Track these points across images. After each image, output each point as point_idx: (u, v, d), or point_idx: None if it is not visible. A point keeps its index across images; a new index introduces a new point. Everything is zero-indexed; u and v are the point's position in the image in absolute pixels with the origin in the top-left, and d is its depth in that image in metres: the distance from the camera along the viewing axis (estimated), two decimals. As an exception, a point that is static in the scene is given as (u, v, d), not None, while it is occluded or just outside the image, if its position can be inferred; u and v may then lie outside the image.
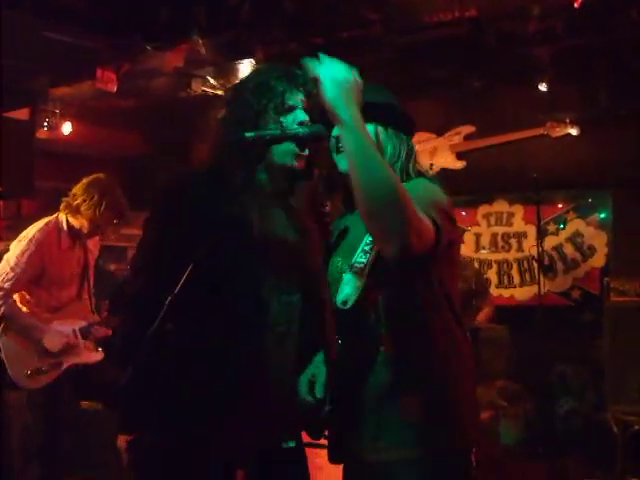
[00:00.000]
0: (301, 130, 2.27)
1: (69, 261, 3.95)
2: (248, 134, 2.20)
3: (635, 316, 4.68)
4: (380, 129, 2.25)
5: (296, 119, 2.29)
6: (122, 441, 2.33)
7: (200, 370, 2.27)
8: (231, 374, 2.27)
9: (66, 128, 6.32)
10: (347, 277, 2.18)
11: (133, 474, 2.33)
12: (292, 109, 2.31)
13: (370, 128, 2.16)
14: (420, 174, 2.29)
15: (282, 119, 2.29)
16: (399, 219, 1.91)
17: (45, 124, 6.07)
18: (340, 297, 2.16)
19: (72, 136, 6.46)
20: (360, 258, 2.16)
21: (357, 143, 1.98)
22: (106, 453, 4.01)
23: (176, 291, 1.98)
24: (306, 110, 2.33)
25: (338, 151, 2.25)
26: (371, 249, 2.13)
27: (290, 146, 2.29)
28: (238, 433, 2.30)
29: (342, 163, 2.23)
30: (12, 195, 6.16)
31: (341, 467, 4.00)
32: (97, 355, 3.92)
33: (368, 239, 2.15)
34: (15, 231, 7.68)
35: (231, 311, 2.26)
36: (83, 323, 3.90)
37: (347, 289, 2.16)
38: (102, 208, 3.91)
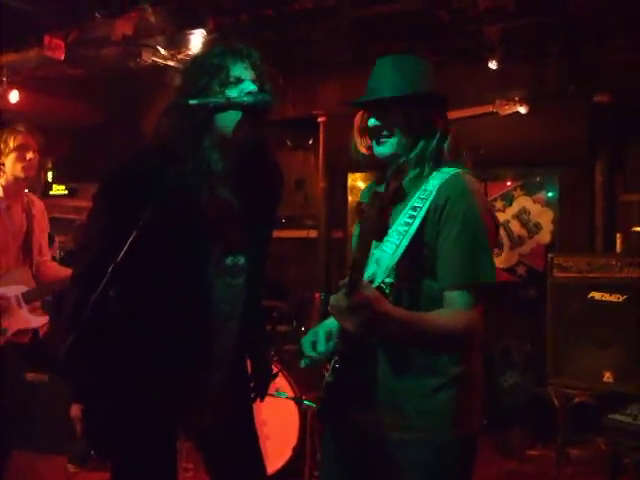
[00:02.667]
0: (246, 99, 2.29)
1: (3, 227, 3.90)
2: (192, 101, 2.22)
3: (577, 292, 4.78)
4: (413, 115, 2.22)
5: (243, 90, 2.32)
6: (75, 410, 2.33)
7: (144, 340, 2.30)
8: (174, 346, 2.30)
9: (13, 96, 6.20)
10: (377, 254, 2.15)
11: (87, 441, 2.35)
12: (239, 81, 2.34)
13: (400, 116, 2.20)
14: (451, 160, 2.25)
15: (228, 91, 2.31)
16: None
17: (-8, 92, 5.97)
18: (367, 274, 2.12)
19: (19, 104, 6.35)
20: (393, 238, 2.14)
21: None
22: (55, 426, 4.00)
23: (119, 259, 1.98)
24: (253, 82, 2.36)
25: (376, 140, 2.27)
26: (406, 231, 2.12)
27: (235, 115, 2.31)
28: (185, 404, 2.35)
29: (377, 148, 2.26)
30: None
31: (282, 420, 4.04)
32: (40, 320, 3.89)
33: (403, 220, 2.14)
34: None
35: (175, 283, 2.29)
36: (24, 288, 3.87)
37: (374, 267, 2.13)
38: (9, 155, 3.88)
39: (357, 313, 1.94)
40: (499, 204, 6.40)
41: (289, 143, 7.16)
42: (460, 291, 2.08)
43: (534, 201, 6.30)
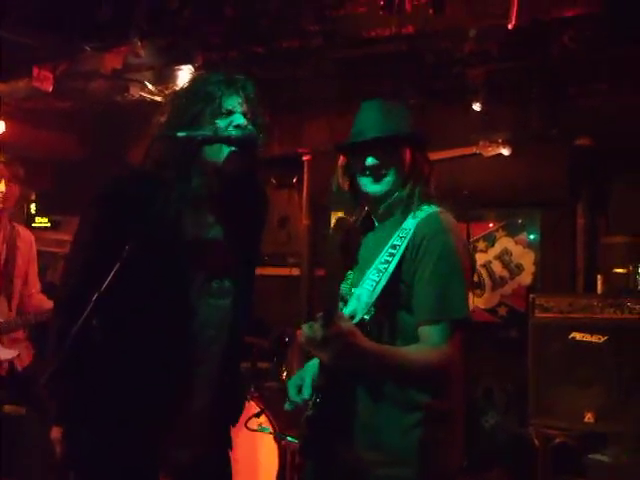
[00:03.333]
0: (233, 132, 2.31)
1: None
2: (180, 133, 2.23)
3: (558, 332, 4.80)
4: (407, 155, 2.35)
5: (233, 122, 2.34)
6: (56, 432, 2.33)
7: (127, 369, 2.29)
8: (159, 373, 2.29)
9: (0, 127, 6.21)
10: (357, 292, 2.21)
11: (66, 465, 2.35)
12: (230, 113, 2.36)
13: (396, 158, 2.32)
14: (432, 198, 2.37)
15: (218, 122, 2.34)
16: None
17: (-23, 122, 5.97)
18: (348, 310, 2.18)
19: (5, 135, 6.35)
20: (373, 275, 2.19)
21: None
22: (33, 458, 3.94)
23: (102, 289, 1.98)
24: (244, 114, 2.38)
25: (373, 178, 2.33)
26: (385, 269, 2.18)
27: (222, 147, 2.33)
28: (163, 431, 2.33)
29: (368, 186, 2.33)
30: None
31: (261, 457, 4.03)
32: (10, 353, 3.84)
33: (383, 257, 2.20)
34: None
35: (159, 311, 2.29)
36: None
37: (355, 304, 2.19)
38: None
39: (331, 344, 1.99)
40: (481, 245, 6.42)
41: (274, 181, 7.19)
42: (434, 326, 2.14)
43: (516, 242, 6.33)
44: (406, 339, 2.18)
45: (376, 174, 2.31)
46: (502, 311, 6.35)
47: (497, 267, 6.39)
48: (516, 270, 6.30)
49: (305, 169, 6.82)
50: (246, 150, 2.38)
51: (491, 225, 6.42)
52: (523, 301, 5.96)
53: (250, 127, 2.38)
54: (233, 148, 2.34)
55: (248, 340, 5.91)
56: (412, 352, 2.14)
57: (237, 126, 2.35)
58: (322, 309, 2.00)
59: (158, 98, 5.98)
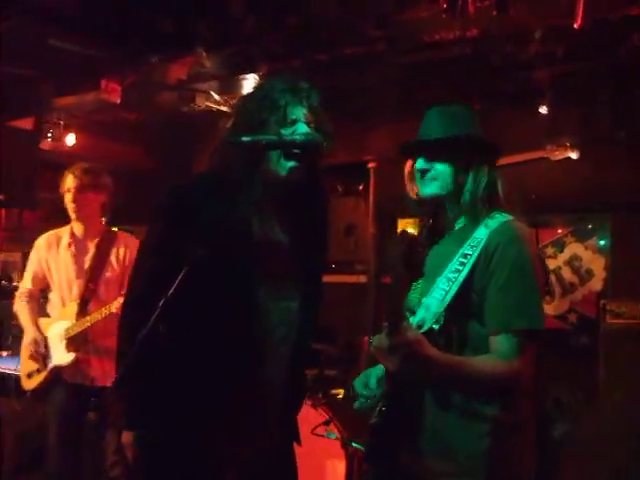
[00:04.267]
0: (298, 137, 2.32)
1: (64, 264, 3.96)
2: (245, 138, 2.24)
3: (630, 338, 4.68)
4: (460, 161, 2.29)
5: (296, 132, 2.35)
6: (126, 437, 2.37)
7: (197, 371, 2.32)
8: (228, 376, 2.31)
9: (70, 139, 6.37)
10: (426, 301, 2.19)
11: (136, 470, 2.37)
12: (294, 122, 2.38)
13: (447, 163, 2.27)
14: (500, 206, 2.31)
15: (283, 131, 2.35)
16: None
17: (49, 135, 6.13)
18: (416, 319, 2.17)
19: (76, 148, 6.51)
20: (442, 284, 2.17)
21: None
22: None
23: (169, 294, 2.01)
24: (308, 124, 2.39)
25: (422, 177, 2.32)
26: (455, 278, 2.15)
27: (284, 159, 2.34)
28: (232, 434, 2.35)
29: (423, 189, 2.32)
30: (13, 205, 6.21)
31: (328, 464, 4.01)
32: (67, 357, 3.88)
33: (454, 266, 2.17)
34: (16, 242, 7.76)
35: (226, 315, 2.30)
36: (68, 324, 3.89)
37: (423, 313, 2.17)
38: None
39: (397, 353, 1.99)
40: (550, 251, 6.31)
41: (340, 188, 7.19)
42: (506, 336, 2.09)
43: (586, 247, 6.20)
44: (476, 349, 2.15)
45: (426, 177, 2.29)
46: (572, 318, 6.21)
47: (567, 273, 6.26)
48: (586, 276, 6.16)
49: (371, 176, 6.81)
50: (309, 156, 2.39)
51: (560, 230, 6.30)
52: (594, 307, 5.84)
53: (314, 133, 2.38)
54: (295, 162, 2.35)
55: (316, 347, 5.93)
56: (480, 363, 2.11)
57: (300, 135, 2.36)
58: (387, 319, 1.99)
59: (224, 108, 6.06)
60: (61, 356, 3.85)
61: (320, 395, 4.97)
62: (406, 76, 5.67)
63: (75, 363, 3.82)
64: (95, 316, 3.77)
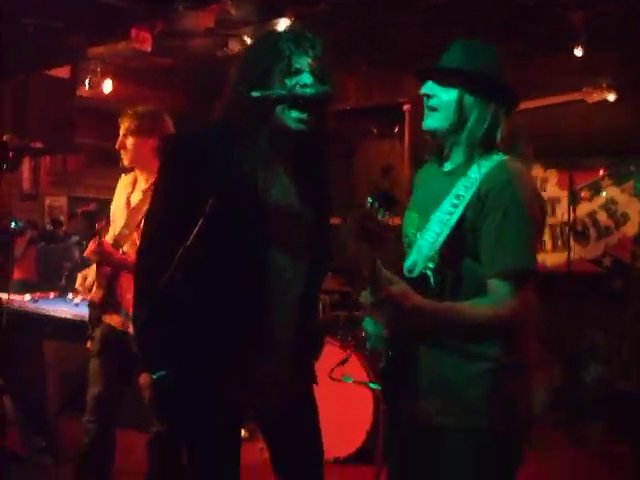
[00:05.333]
0: (308, 91, 2.34)
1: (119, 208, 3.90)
2: (255, 93, 2.27)
3: (660, 285, 4.65)
4: (466, 95, 2.20)
5: (300, 81, 2.37)
6: (144, 378, 2.48)
7: (212, 317, 2.40)
8: (241, 322, 2.40)
9: (107, 86, 6.46)
10: (418, 243, 2.18)
11: (153, 409, 2.45)
12: (298, 72, 2.39)
13: (454, 93, 2.19)
14: (498, 147, 2.22)
15: (287, 81, 2.37)
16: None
17: (86, 82, 6.22)
18: (407, 263, 2.18)
19: (113, 94, 6.60)
20: (434, 226, 2.16)
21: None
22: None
23: (187, 244, 2.07)
24: (312, 73, 2.40)
25: (426, 105, 2.26)
26: (448, 220, 2.13)
27: (295, 107, 2.37)
28: (247, 379, 2.44)
29: (425, 121, 2.26)
30: (53, 151, 6.33)
31: (356, 405, 4.03)
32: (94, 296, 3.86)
33: (446, 207, 2.15)
34: (60, 186, 7.94)
35: (241, 262, 2.37)
36: None
37: (415, 256, 2.17)
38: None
39: (383, 309, 1.99)
40: (586, 193, 6.25)
41: (375, 131, 7.17)
42: (500, 279, 2.08)
43: (622, 191, 6.12)
44: (473, 289, 2.13)
45: (429, 107, 2.23)
46: (607, 262, 6.19)
47: (602, 217, 6.21)
48: (622, 220, 6.11)
49: (406, 118, 6.78)
50: (318, 107, 2.42)
51: (596, 173, 6.23)
52: (629, 252, 5.80)
53: (320, 85, 2.40)
54: (303, 114, 2.38)
55: (344, 289, 6.01)
56: (475, 307, 2.09)
57: (304, 85, 2.38)
58: (368, 275, 1.97)
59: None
60: (92, 295, 3.87)
61: (350, 337, 5.07)
62: (440, 16, 5.59)
63: (104, 304, 3.79)
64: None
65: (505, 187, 2.11)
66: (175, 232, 2.15)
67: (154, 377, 2.41)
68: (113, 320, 3.77)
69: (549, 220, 6.46)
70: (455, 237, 2.12)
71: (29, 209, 7.57)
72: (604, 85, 5.61)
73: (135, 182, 3.85)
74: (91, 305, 3.84)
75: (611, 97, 5.66)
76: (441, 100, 2.21)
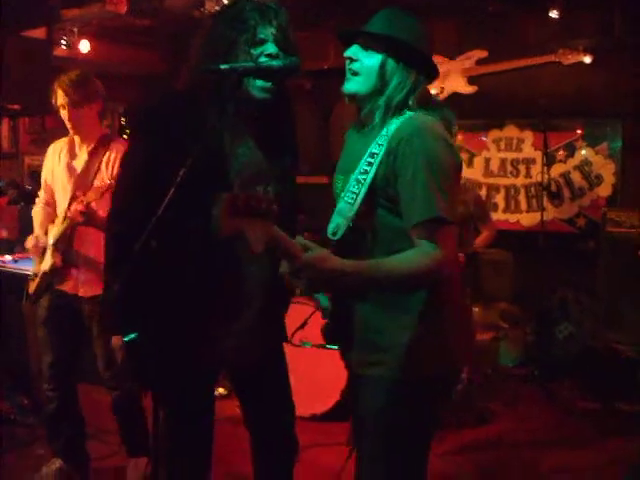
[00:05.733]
0: (274, 63, 2.39)
1: (61, 172, 3.88)
2: (223, 66, 2.31)
3: (628, 247, 4.75)
4: (389, 60, 2.23)
5: (265, 51, 2.42)
6: (116, 340, 2.56)
7: (181, 276, 2.48)
8: (211, 279, 2.48)
9: (83, 46, 6.41)
10: (340, 205, 2.24)
11: (125, 371, 2.56)
12: (263, 42, 2.44)
13: (377, 58, 2.22)
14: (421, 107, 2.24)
15: (252, 51, 2.42)
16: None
17: (63, 43, 6.17)
18: (331, 227, 2.23)
19: (90, 54, 6.56)
20: (352, 187, 2.21)
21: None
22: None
23: (160, 212, 2.12)
24: (277, 42, 2.45)
25: (348, 68, 2.28)
26: (364, 179, 2.17)
27: (260, 77, 2.42)
28: (219, 335, 2.53)
29: (347, 84, 2.27)
30: (32, 112, 6.30)
31: (330, 365, 4.15)
32: (48, 263, 3.81)
33: (362, 167, 2.19)
34: (40, 145, 7.92)
35: (205, 222, 2.43)
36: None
37: (338, 218, 2.23)
38: None
39: (302, 276, 2.05)
40: (560, 154, 6.32)
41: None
42: (418, 231, 2.10)
43: (596, 152, 6.19)
44: (397, 244, 2.15)
45: (351, 70, 2.26)
46: (580, 222, 6.29)
47: (576, 177, 6.29)
48: (595, 181, 6.19)
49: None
50: (285, 78, 2.48)
51: (570, 135, 6.29)
52: (601, 213, 5.89)
53: (285, 55, 2.44)
54: (268, 83, 2.43)
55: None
56: (399, 262, 2.11)
57: (269, 55, 2.42)
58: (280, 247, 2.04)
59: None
60: (46, 262, 3.83)
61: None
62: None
63: (58, 270, 3.79)
64: (66, 222, 3.70)
65: (412, 139, 2.13)
66: (147, 198, 2.19)
67: (125, 339, 2.49)
68: (65, 284, 3.79)
69: (524, 181, 6.55)
70: (372, 194, 2.17)
71: (8, 168, 7.56)
72: (580, 47, 5.66)
73: (72, 147, 3.86)
74: (46, 273, 3.81)
75: (587, 59, 5.71)
76: (363, 64, 2.24)
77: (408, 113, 2.21)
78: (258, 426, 2.84)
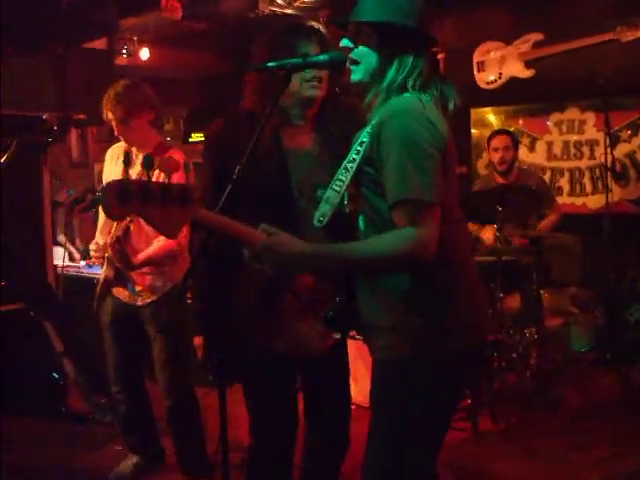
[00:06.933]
0: (321, 57, 2.45)
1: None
2: (270, 64, 2.39)
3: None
4: (383, 45, 2.20)
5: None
6: (197, 340, 2.71)
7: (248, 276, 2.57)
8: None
9: (143, 54, 6.60)
10: (328, 193, 2.25)
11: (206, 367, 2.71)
12: (306, 55, 2.54)
13: (367, 51, 2.21)
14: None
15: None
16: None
17: (124, 52, 6.36)
18: (317, 214, 2.24)
19: (151, 60, 6.74)
20: (341, 175, 2.23)
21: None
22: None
23: (219, 207, 2.19)
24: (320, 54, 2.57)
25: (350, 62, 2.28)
26: (352, 167, 2.18)
27: (310, 74, 2.51)
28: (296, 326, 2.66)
29: (352, 75, 2.28)
30: (98, 122, 6.48)
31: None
32: (104, 271, 3.91)
33: (351, 155, 2.20)
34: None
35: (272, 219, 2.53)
36: None
37: (325, 205, 2.24)
38: None
39: (263, 261, 2.07)
40: (624, 134, 6.18)
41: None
42: (398, 211, 2.07)
43: (662, 130, 6.06)
44: (384, 226, 2.12)
45: (351, 60, 2.25)
46: (648, 202, 6.16)
47: (642, 157, 6.17)
48: (662, 159, 6.06)
49: (440, 67, 6.77)
50: (333, 71, 2.56)
51: (634, 114, 6.15)
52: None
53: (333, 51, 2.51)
54: (317, 82, 2.53)
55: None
56: (371, 245, 2.11)
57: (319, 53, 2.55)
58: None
59: (288, 10, 6.12)
60: (103, 271, 3.90)
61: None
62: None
63: (113, 280, 3.84)
64: (115, 231, 3.68)
65: (391, 119, 2.11)
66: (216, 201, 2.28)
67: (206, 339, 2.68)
68: (122, 294, 3.85)
69: (589, 163, 6.45)
70: (359, 180, 2.19)
71: (80, 177, 7.79)
72: (638, 23, 5.55)
73: (129, 154, 3.85)
74: (104, 280, 3.89)
75: (646, 35, 5.60)
76: (360, 51, 2.23)
77: (399, 96, 2.17)
78: (314, 418, 2.94)
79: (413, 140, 2.07)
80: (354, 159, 2.19)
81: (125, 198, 1.92)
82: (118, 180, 1.98)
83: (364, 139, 2.17)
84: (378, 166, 2.13)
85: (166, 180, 2.03)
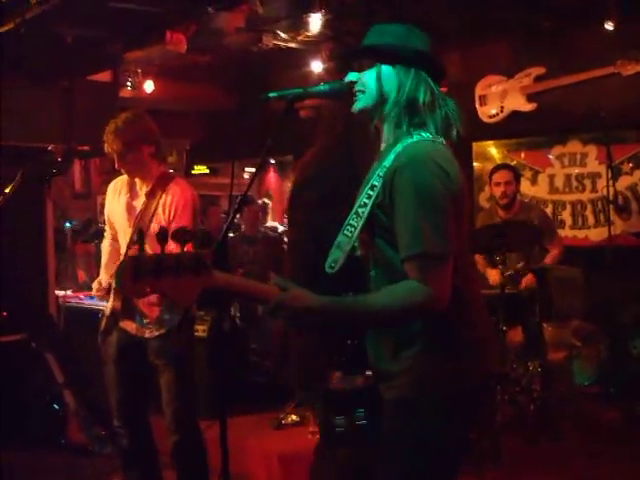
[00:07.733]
0: (322, 87, 2.47)
1: (120, 211, 3.87)
2: (272, 94, 2.41)
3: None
4: (382, 68, 2.21)
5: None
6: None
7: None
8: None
9: (148, 86, 6.66)
10: (339, 239, 2.22)
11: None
12: None
13: (373, 71, 2.21)
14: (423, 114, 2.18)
15: None
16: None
17: (128, 84, 6.42)
18: (329, 260, 2.22)
19: (155, 93, 6.80)
20: (352, 220, 2.20)
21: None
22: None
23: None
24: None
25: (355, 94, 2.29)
26: (363, 213, 2.16)
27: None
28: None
29: (355, 105, 2.27)
30: (101, 153, 6.53)
31: None
32: (109, 305, 3.85)
33: (362, 199, 2.18)
34: (111, 185, 8.17)
35: None
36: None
37: (337, 252, 2.21)
38: None
39: (278, 314, 2.06)
40: (626, 167, 6.20)
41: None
42: (411, 264, 2.06)
43: (663, 163, 6.08)
44: (398, 277, 2.09)
45: (357, 92, 2.26)
46: (650, 235, 6.14)
47: (644, 189, 6.18)
48: (664, 192, 6.07)
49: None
50: (342, 99, 2.57)
51: (636, 147, 6.17)
52: (671, 224, 5.76)
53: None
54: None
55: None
56: (381, 298, 2.11)
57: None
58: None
59: (292, 45, 6.18)
60: (109, 304, 3.84)
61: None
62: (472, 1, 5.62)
63: (119, 313, 3.78)
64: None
65: (403, 170, 2.09)
66: None
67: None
68: (129, 326, 3.79)
69: (590, 195, 6.47)
70: (371, 226, 2.16)
71: (82, 208, 7.83)
72: (638, 58, 5.59)
73: (132, 186, 3.83)
74: (110, 313, 3.83)
75: (647, 69, 5.64)
76: (364, 81, 2.24)
77: (416, 136, 2.15)
78: None
79: (427, 194, 2.05)
80: (365, 204, 2.15)
81: (139, 275, 1.91)
82: (133, 257, 1.95)
83: (375, 182, 2.15)
84: (390, 213, 2.12)
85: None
